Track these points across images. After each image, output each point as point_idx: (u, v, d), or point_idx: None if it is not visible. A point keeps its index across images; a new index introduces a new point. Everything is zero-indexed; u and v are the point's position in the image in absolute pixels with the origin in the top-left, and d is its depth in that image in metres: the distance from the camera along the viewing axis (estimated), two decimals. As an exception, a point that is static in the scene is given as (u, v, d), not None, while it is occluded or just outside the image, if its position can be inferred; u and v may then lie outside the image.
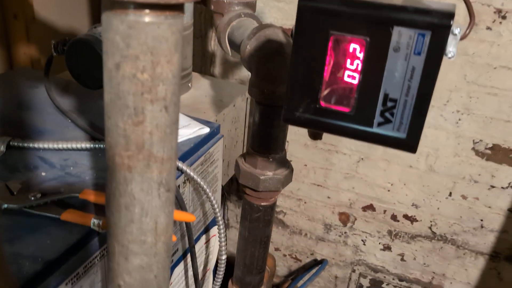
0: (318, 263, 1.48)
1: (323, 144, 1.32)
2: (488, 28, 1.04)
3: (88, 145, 0.64)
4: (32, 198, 0.52)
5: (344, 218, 1.41)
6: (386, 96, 0.41)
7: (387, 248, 1.40)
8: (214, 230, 0.86)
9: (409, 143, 0.42)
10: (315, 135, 0.55)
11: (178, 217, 0.56)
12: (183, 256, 0.75)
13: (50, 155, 0.64)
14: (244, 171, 0.70)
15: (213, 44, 1.34)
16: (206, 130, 0.74)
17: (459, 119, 1.15)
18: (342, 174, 1.34)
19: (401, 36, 0.39)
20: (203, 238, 0.82)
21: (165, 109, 0.33)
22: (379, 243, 1.40)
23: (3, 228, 0.49)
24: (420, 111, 0.41)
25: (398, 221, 1.34)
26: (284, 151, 0.71)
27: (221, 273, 0.75)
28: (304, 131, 1.31)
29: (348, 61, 0.44)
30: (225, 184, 1.51)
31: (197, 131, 0.73)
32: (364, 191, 1.34)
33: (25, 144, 0.64)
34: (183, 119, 0.76)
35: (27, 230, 0.50)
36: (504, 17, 1.02)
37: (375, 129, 0.43)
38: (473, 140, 1.16)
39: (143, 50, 0.30)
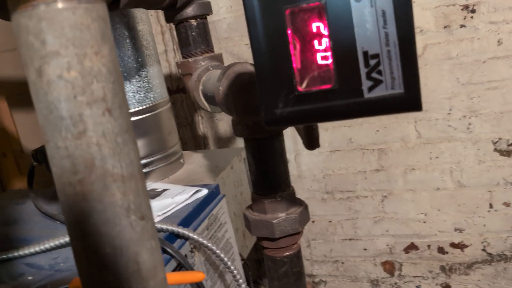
0: (378, 328, 1.31)
1: (340, 193, 1.24)
2: (462, 26, 1.02)
3: (76, 235, 0.57)
4: (14, 302, 0.45)
5: (389, 267, 1.28)
6: (366, 54, 0.36)
7: (446, 287, 1.24)
8: (244, 307, 0.75)
9: (411, 98, 0.36)
10: (311, 141, 0.49)
11: (182, 278, 0.48)
12: None
13: (38, 259, 0.57)
14: (254, 220, 0.62)
15: (202, 127, 1.32)
16: (204, 191, 0.68)
17: (469, 124, 1.08)
18: (371, 219, 1.24)
19: (358, -18, 0.35)
20: (234, 317, 0.71)
21: (108, 112, 0.28)
22: (436, 284, 1.25)
23: None
24: (409, 56, 0.35)
25: (447, 252, 1.21)
26: (291, 187, 0.64)
27: None
28: (317, 186, 1.23)
29: (316, 42, 0.40)
30: (251, 264, 1.40)
31: (193, 194, 0.67)
32: (399, 230, 1.23)
33: (9, 255, 0.58)
34: (176, 188, 0.70)
35: (9, 338, 0.41)
36: (473, 11, 1.01)
37: (368, 96, 0.37)
38: (492, 141, 1.08)
39: (62, 43, 0.26)
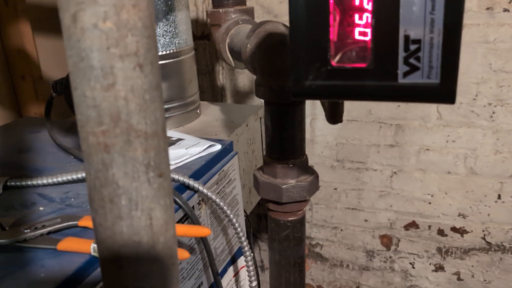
0: (366, 296, 1.35)
1: (350, 163, 1.24)
2: (506, 10, 0.98)
3: (89, 173, 0.58)
4: (26, 232, 0.46)
5: (387, 241, 1.30)
6: (407, 38, 0.35)
7: (439, 268, 1.26)
8: (242, 261, 0.77)
9: (445, 90, 0.35)
10: (334, 115, 0.48)
11: (188, 231, 0.49)
12: (210, 291, 0.67)
13: (50, 191, 0.58)
14: (264, 182, 0.63)
15: (221, 78, 1.31)
16: (217, 147, 0.68)
17: (493, 112, 1.06)
18: (376, 192, 1.25)
19: (413, -40, 0.33)
20: (230, 270, 0.74)
21: (139, 68, 0.27)
22: (430, 264, 1.27)
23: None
24: (452, 47, 0.34)
25: (446, 235, 1.22)
26: (305, 155, 0.64)
27: (254, 304, 0.66)
28: (328, 153, 1.23)
29: (357, 16, 0.38)
30: (252, 219, 1.43)
31: (207, 148, 0.67)
32: (403, 207, 1.24)
33: (23, 183, 0.59)
34: (191, 139, 0.70)
35: (19, 265, 0.43)
36: (521, -4, 0.96)
37: (402, 81, 0.36)
38: (513, 133, 1.06)
39: (100, -9, 0.25)
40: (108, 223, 0.30)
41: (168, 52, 0.80)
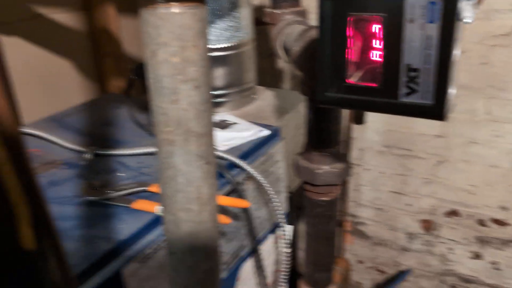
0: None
1: (397, 150, 1.30)
2: None
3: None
4: (109, 192, 0.61)
5: (427, 226, 1.36)
6: (408, 67, 0.43)
7: (477, 256, 1.31)
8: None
9: (437, 111, 0.43)
10: (357, 119, 0.57)
11: (231, 202, 0.61)
12: (252, 253, 0.79)
13: (128, 160, 0.73)
14: (302, 166, 0.73)
15: (280, 62, 1.40)
16: (266, 132, 0.79)
17: (543, 111, 1.08)
18: (421, 179, 1.31)
19: (414, 7, 0.41)
20: (271, 237, 0.86)
21: (196, 88, 0.38)
22: (467, 251, 1.32)
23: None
24: (443, 77, 0.42)
25: (486, 226, 1.26)
26: (338, 145, 0.73)
27: (285, 266, 0.77)
28: (377, 138, 1.30)
29: (374, 41, 0.47)
30: (301, 193, 1.53)
31: (257, 133, 0.78)
32: (446, 195, 1.29)
33: (108, 152, 0.74)
34: (244, 124, 0.81)
35: (104, 217, 0.58)
36: None
37: (403, 100, 0.44)
38: (562, 133, 1.07)
39: (171, 37, 0.36)
40: (170, 193, 0.42)
41: (230, 44, 0.91)
